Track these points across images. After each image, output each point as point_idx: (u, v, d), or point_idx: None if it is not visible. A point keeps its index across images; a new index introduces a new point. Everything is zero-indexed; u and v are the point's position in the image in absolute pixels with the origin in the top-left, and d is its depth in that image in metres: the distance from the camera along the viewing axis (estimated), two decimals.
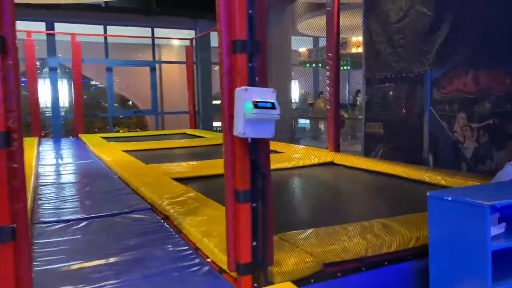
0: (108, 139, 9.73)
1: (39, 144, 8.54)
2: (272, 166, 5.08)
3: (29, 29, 9.40)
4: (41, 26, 10.55)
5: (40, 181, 4.37)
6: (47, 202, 3.42)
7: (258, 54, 1.75)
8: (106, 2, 10.02)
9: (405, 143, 5.43)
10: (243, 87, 1.67)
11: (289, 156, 5.97)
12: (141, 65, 11.90)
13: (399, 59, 5.47)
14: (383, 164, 4.87)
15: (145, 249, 2.28)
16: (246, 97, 1.65)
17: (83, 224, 2.73)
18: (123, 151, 7.21)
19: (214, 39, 11.61)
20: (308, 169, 5.26)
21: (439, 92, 4.96)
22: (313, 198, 3.98)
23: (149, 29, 11.73)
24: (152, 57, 12.00)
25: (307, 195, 4.15)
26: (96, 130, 12.84)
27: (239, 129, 1.68)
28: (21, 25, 9.67)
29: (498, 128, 4.28)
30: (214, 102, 12.06)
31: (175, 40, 13.99)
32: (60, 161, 5.99)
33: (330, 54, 5.82)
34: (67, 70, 12.39)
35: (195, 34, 11.84)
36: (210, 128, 11.52)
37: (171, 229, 2.70)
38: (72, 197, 3.59)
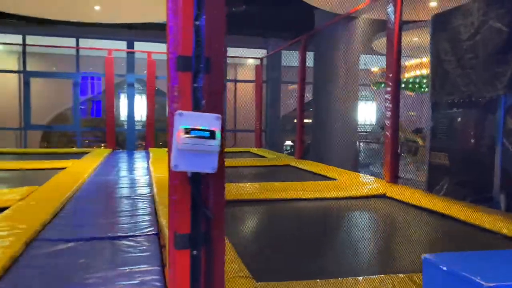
0: None
1: (109, 155, 8.99)
2: (316, 195, 4.76)
3: (111, 48, 10.08)
4: (122, 44, 11.27)
5: (77, 194, 4.46)
6: (64, 217, 3.41)
7: (206, 73, 1.48)
8: None
9: (473, 178, 4.68)
10: (178, 111, 1.41)
11: (340, 184, 5.49)
12: None
13: (469, 81, 4.77)
14: (440, 202, 4.22)
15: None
16: (181, 123, 1.38)
17: (69, 245, 2.62)
18: None
19: (285, 58, 11.46)
20: (354, 201, 4.75)
21: None
22: (343, 238, 3.52)
23: None
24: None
25: (340, 233, 3.69)
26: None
27: (171, 160, 1.41)
28: (105, 44, 10.42)
29: None
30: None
31: (250, 59, 14.15)
32: (112, 175, 6.15)
33: (390, 75, 5.29)
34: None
35: (267, 53, 11.80)
36: (275, 147, 11.29)
37: (158, 263, 2.48)
38: (90, 214, 3.56)
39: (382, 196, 4.91)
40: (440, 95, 5.26)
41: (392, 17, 5.26)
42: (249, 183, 5.45)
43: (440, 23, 5.28)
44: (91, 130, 11.75)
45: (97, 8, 6.99)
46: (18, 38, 10.80)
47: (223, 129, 1.50)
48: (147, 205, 3.98)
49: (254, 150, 11.01)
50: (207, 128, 1.38)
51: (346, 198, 4.85)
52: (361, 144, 9.88)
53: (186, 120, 1.38)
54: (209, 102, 1.49)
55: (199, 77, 1.45)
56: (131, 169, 6.74)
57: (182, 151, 1.37)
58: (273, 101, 11.34)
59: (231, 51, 12.33)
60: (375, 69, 10.52)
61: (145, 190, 4.85)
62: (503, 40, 4.29)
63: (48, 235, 2.87)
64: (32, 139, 12.57)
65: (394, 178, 5.27)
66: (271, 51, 11.78)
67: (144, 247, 2.71)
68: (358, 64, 8.19)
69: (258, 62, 11.28)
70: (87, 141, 13.15)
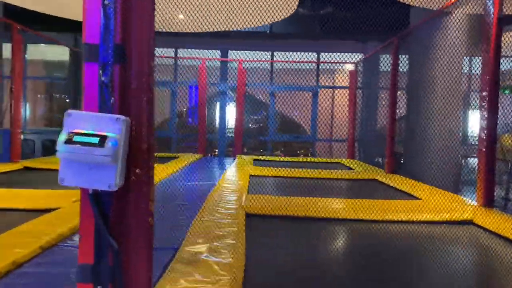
0: (259, 162, 9.86)
1: (196, 161, 9.21)
2: (391, 217, 4.14)
3: (205, 57, 10.42)
4: (217, 54, 11.57)
5: None
6: None
7: (118, 64, 1.19)
8: (270, 28, 10.30)
9: None
10: (68, 111, 1.14)
11: (422, 205, 4.73)
12: (303, 90, 11.76)
13: None
14: None
15: None
16: (68, 126, 1.11)
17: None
18: (253, 175, 7.09)
19: (384, 62, 10.62)
20: (429, 228, 4.01)
21: None
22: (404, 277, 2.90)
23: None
24: (316, 81, 11.76)
25: (403, 270, 3.07)
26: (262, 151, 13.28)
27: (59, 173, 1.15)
28: (200, 53, 10.81)
29: None
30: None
31: (348, 64, 13.49)
32: (186, 180, 6.18)
33: (487, 77, 4.41)
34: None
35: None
36: (368, 159, 10.46)
37: None
38: None
39: (468, 223, 4.07)
40: None
41: (490, 9, 4.39)
42: (318, 198, 4.98)
43: None
44: (185, 137, 12.25)
45: (181, 17, 7.20)
46: None
47: (138, 135, 1.20)
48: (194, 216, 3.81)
49: (345, 161, 10.36)
50: (98, 132, 1.09)
51: (420, 222, 4.13)
52: (467, 159, 8.64)
53: (75, 122, 1.12)
54: (122, 101, 1.20)
55: (108, 70, 1.17)
56: (204, 175, 6.72)
57: (66, 161, 1.11)
58: (368, 108, 10.55)
59: (327, 57, 11.88)
60: None
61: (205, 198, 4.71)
62: None
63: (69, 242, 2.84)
64: None
65: (488, 202, 4.36)
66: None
67: None
68: (461, 67, 7.13)
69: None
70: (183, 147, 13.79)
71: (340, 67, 13.85)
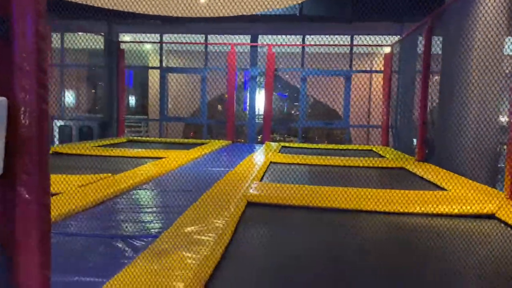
0: (286, 148, 9.67)
1: (222, 147, 9.17)
2: (408, 209, 3.86)
3: (234, 42, 10.29)
4: (247, 39, 11.40)
5: (144, 186, 4.49)
6: (95, 210, 3.41)
7: None
8: (300, 11, 9.96)
9: None
10: None
11: (446, 196, 4.38)
12: (335, 75, 11.34)
13: None
14: None
15: None
16: None
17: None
18: (274, 163, 6.94)
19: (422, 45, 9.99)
20: (447, 221, 3.69)
21: None
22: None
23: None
24: (349, 66, 11.31)
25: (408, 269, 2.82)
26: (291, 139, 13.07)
27: None
28: (232, 39, 10.69)
29: None
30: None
31: (387, 47, 12.87)
32: (203, 166, 6.13)
33: None
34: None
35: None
36: (404, 147, 9.97)
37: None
38: (124, 210, 3.48)
39: (490, 217, 3.71)
40: None
41: None
42: (334, 187, 4.74)
43: None
44: (215, 123, 12.25)
45: (202, 1, 7.08)
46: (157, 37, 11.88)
47: (23, 120, 1.09)
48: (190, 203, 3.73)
49: (378, 148, 9.95)
50: None
51: (437, 215, 3.82)
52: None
53: None
54: (5, 80, 1.09)
55: None
56: (223, 162, 6.63)
57: None
58: (403, 94, 10.01)
59: (362, 40, 11.38)
60: None
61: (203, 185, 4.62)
62: None
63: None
64: (177, 129, 13.81)
65: None
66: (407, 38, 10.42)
67: (125, 250, 2.44)
68: (501, 48, 6.53)
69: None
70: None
71: (378, 51, 13.24)
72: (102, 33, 10.95)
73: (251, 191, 4.16)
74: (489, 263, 2.80)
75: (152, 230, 2.92)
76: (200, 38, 11.65)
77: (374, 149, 9.86)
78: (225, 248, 2.62)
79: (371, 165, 7.19)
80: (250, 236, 3.05)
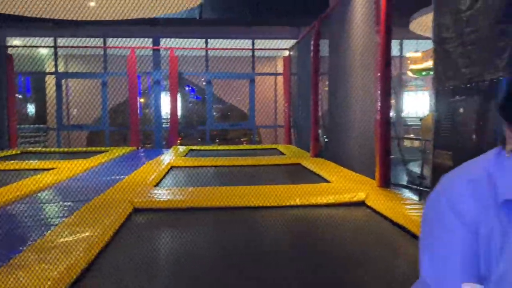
0: (194, 152, 9.70)
1: (126, 154, 8.92)
2: (299, 202, 4.07)
3: (136, 45, 10.05)
4: (148, 42, 11.21)
5: (22, 200, 4.25)
6: None
7: None
8: (200, 14, 10.05)
9: None
10: None
11: (327, 188, 4.74)
12: (239, 78, 11.63)
13: (469, 61, 3.78)
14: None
15: None
16: None
17: None
18: (176, 167, 6.93)
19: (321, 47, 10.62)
20: (321, 210, 4.01)
21: None
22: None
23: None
24: (252, 69, 11.65)
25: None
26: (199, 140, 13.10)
27: None
28: (130, 42, 10.41)
29: None
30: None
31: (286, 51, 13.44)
32: (98, 176, 5.93)
33: (379, 58, 4.41)
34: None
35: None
36: (304, 144, 10.52)
37: None
38: None
39: (361, 204, 4.10)
40: (442, 80, 4.28)
41: None
42: (236, 187, 4.86)
43: None
44: (118, 130, 11.89)
45: (91, 4, 6.85)
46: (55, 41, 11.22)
47: None
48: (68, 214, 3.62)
49: (281, 146, 10.38)
50: None
51: (316, 206, 4.13)
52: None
53: None
54: None
55: None
56: (122, 170, 6.46)
57: None
58: (302, 94, 10.55)
59: (263, 44, 11.77)
60: (414, 54, 9.27)
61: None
62: (503, 6, 3.28)
63: None
64: (79, 138, 13.08)
65: (385, 183, 4.40)
66: (304, 41, 10.98)
67: None
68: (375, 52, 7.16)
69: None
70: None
71: (280, 54, 13.80)
72: None
73: (139, 197, 4.14)
74: (355, 243, 3.11)
75: (17, 244, 2.79)
76: (99, 41, 11.22)
77: (278, 147, 10.27)
78: (95, 256, 2.60)
79: (272, 163, 7.50)
80: (128, 243, 3.05)
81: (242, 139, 15.29)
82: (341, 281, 2.39)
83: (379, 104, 4.42)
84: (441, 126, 4.38)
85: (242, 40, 11.43)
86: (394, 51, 10.98)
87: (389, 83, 4.39)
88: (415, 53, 9.43)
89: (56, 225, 3.18)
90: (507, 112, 0.83)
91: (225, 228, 3.53)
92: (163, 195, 4.40)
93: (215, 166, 7.09)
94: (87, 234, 2.87)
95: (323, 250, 2.97)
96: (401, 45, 11.46)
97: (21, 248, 2.71)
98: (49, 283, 2.07)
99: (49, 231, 2.96)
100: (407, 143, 10.16)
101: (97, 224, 3.11)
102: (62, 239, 2.78)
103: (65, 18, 7.66)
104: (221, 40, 11.22)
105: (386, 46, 4.33)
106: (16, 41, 11.66)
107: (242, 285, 2.36)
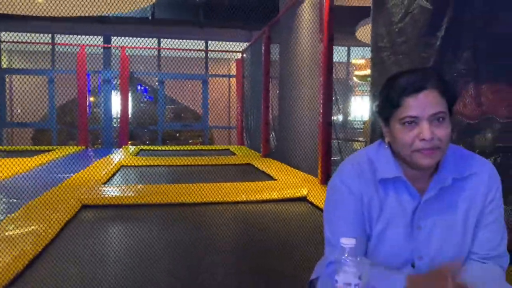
0: (145, 151, 9.66)
1: (74, 154, 8.74)
2: (232, 198, 4.24)
3: (86, 43, 9.86)
4: (99, 40, 11.03)
5: None
6: None
7: None
8: (152, 14, 10.05)
9: None
10: None
11: (273, 185, 4.97)
12: (192, 78, 11.71)
13: (401, 69, 4.14)
14: None
15: None
16: None
17: None
18: (126, 166, 6.93)
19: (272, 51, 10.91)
20: (265, 205, 4.24)
21: None
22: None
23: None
24: (205, 70, 11.78)
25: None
26: (148, 142, 13.02)
27: None
28: (80, 40, 10.21)
29: (502, 169, 2.81)
30: None
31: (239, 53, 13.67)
32: (42, 174, 5.82)
33: (323, 65, 4.71)
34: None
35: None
36: (255, 145, 10.77)
37: None
38: None
39: (303, 199, 4.37)
40: (377, 86, 4.65)
41: None
42: (185, 184, 4.98)
43: (379, 4, 4.65)
44: (66, 128, 11.59)
45: (39, 1, 6.71)
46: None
47: None
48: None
49: (233, 147, 10.58)
50: None
51: (262, 201, 4.36)
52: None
53: None
54: None
55: None
56: (70, 168, 6.37)
57: None
58: (254, 97, 10.81)
59: (217, 45, 11.91)
60: (358, 61, 9.80)
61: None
62: (428, 20, 3.67)
63: None
64: (24, 137, 12.59)
65: (326, 180, 4.71)
66: (255, 45, 11.24)
67: None
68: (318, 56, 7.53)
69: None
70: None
71: (234, 56, 14.00)
72: None
73: (88, 194, 4.17)
74: (295, 235, 3.34)
75: None
76: (46, 37, 10.90)
77: (230, 148, 10.46)
78: (42, 249, 2.66)
79: (222, 163, 7.66)
80: (75, 237, 3.11)
81: (194, 140, 15.33)
82: (271, 267, 2.60)
83: (321, 107, 4.72)
84: (376, 128, 4.75)
85: (195, 41, 11.53)
86: (343, 57, 11.48)
87: (331, 88, 4.70)
88: (359, 60, 9.95)
89: (1, 220, 3.18)
90: (381, 114, 1.10)
91: (171, 223, 3.66)
92: (112, 192, 4.45)
93: (166, 166, 7.16)
94: (33, 228, 2.91)
95: (261, 239, 3.18)
96: (348, 51, 12.03)
97: None
98: None
99: None
100: (356, 145, 10.68)
101: (44, 219, 3.15)
102: (7, 233, 2.80)
103: (10, 13, 7.42)
104: (174, 40, 11.26)
105: (328, 53, 4.64)
106: None
107: (182, 272, 2.51)
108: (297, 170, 6.10)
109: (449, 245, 1.10)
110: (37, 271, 2.42)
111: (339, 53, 10.71)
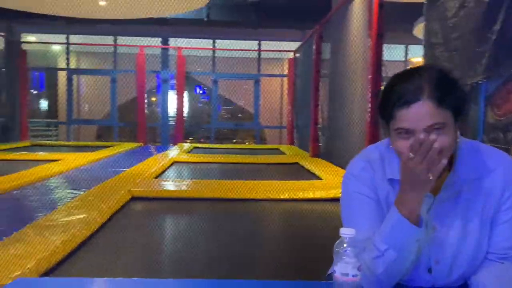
0: (198, 149, 9.95)
1: (132, 150, 9.19)
2: (288, 196, 4.27)
3: (145, 44, 10.35)
4: (158, 41, 11.49)
5: (30, 186, 4.52)
6: None
7: None
8: (207, 16, 10.31)
9: None
10: None
11: (317, 185, 4.93)
12: (245, 78, 11.87)
13: (453, 66, 3.95)
14: None
15: None
16: None
17: None
18: (178, 162, 7.17)
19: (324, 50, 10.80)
20: (303, 204, 4.22)
21: (493, 113, 3.36)
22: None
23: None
24: (257, 69, 11.88)
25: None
26: (202, 140, 13.34)
27: None
28: (140, 41, 10.71)
29: None
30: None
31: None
32: (101, 168, 6.19)
33: (372, 62, 4.61)
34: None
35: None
36: (305, 145, 10.70)
37: None
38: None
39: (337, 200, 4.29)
40: None
41: None
42: (234, 181, 5.09)
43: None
44: (126, 126, 12.17)
45: (102, 3, 7.13)
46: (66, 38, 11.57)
47: None
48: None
49: (284, 147, 10.59)
50: None
51: (303, 200, 4.35)
52: None
53: None
54: None
55: None
56: (126, 163, 6.71)
57: None
58: (304, 96, 10.75)
59: (270, 45, 11.98)
60: (416, 59, 9.42)
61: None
62: (484, 13, 3.46)
63: None
64: (89, 133, 13.46)
65: None
66: (308, 44, 11.17)
67: None
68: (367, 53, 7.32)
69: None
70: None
71: (287, 56, 14.01)
72: (2, 33, 10.44)
73: (138, 187, 4.38)
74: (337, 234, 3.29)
75: (21, 222, 3.04)
76: (109, 39, 11.54)
77: (280, 148, 10.48)
78: (90, 235, 2.85)
79: (271, 161, 7.71)
80: (123, 226, 3.29)
81: (249, 140, 15.51)
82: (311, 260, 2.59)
83: (369, 106, 4.61)
84: None
85: (248, 41, 11.67)
86: (400, 56, 11.04)
87: (379, 86, 4.57)
88: (418, 58, 9.56)
89: (57, 208, 3.44)
90: (381, 114, 1.06)
91: (218, 217, 3.76)
92: (161, 185, 4.64)
93: (216, 163, 7.33)
94: (84, 216, 3.12)
95: (304, 237, 3.18)
96: (406, 49, 11.60)
97: (23, 226, 2.96)
98: (44, 254, 2.31)
99: (50, 213, 3.22)
100: None
101: (95, 208, 3.36)
102: (61, 219, 3.02)
103: (77, 16, 7.96)
104: (228, 40, 11.48)
105: (377, 50, 4.52)
106: (31, 37, 12.05)
107: (227, 261, 2.57)
108: (344, 171, 5.99)
109: (466, 247, 1.05)
110: (84, 255, 2.59)
111: (396, 51, 10.38)
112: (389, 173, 1.09)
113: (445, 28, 4.10)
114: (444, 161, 0.94)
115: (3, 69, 10.89)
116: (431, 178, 0.94)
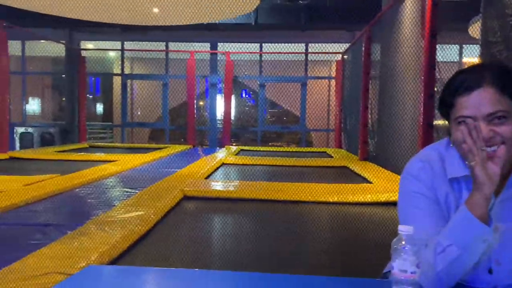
0: (244, 151, 10.07)
1: (182, 152, 9.48)
2: (336, 199, 4.27)
3: (195, 50, 10.66)
4: (207, 47, 11.78)
5: (89, 185, 4.79)
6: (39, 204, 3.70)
7: None
8: (255, 20, 10.43)
9: None
10: None
11: (367, 188, 4.87)
12: (291, 81, 11.87)
13: None
14: None
15: None
16: None
17: None
18: (226, 163, 7.31)
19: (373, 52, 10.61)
20: (351, 208, 4.18)
21: None
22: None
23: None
24: (305, 72, 11.86)
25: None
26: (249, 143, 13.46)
27: None
28: (189, 46, 11.04)
29: None
30: None
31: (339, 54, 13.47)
32: (154, 168, 6.43)
33: (425, 62, 4.49)
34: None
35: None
36: (354, 148, 10.54)
37: None
38: (65, 205, 3.79)
39: (393, 204, 4.20)
40: None
41: None
42: (280, 183, 5.15)
43: None
44: (176, 129, 12.54)
45: (155, 10, 7.43)
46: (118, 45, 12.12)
47: None
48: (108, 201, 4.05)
49: (330, 150, 10.49)
50: None
51: (352, 203, 4.30)
52: None
53: None
54: None
55: None
56: (177, 164, 6.92)
57: None
58: (353, 98, 10.59)
59: (317, 47, 11.93)
60: (471, 60, 9.02)
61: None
62: None
63: None
64: (142, 135, 14.01)
65: None
66: (357, 46, 11.02)
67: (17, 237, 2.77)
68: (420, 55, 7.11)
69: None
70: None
71: (334, 58, 13.86)
72: (63, 41, 11.12)
73: (190, 186, 4.53)
74: (387, 238, 3.25)
75: (83, 218, 3.24)
76: (161, 45, 11.96)
77: (327, 151, 10.39)
78: (147, 231, 2.99)
79: (318, 164, 7.67)
80: (176, 223, 3.42)
81: (291, 143, 15.49)
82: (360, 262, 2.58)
83: (421, 108, 4.49)
84: None
85: (295, 44, 11.67)
86: (454, 57, 10.65)
87: (432, 87, 4.45)
88: (473, 59, 9.15)
89: (116, 205, 3.63)
90: (441, 113, 1.06)
91: (265, 217, 3.81)
92: (212, 185, 4.76)
93: (263, 165, 7.40)
94: (141, 213, 3.27)
95: (352, 240, 3.16)
96: (460, 49, 11.14)
97: (85, 221, 3.15)
98: (106, 247, 2.46)
99: (109, 210, 3.41)
100: None
101: (150, 206, 3.52)
102: (120, 216, 3.19)
103: (131, 24, 8.34)
104: (275, 44, 11.54)
105: (431, 50, 4.40)
106: (89, 45, 12.73)
107: (274, 258, 2.61)
108: (396, 175, 5.85)
109: None
110: (142, 248, 2.72)
111: (449, 52, 9.95)
112: (450, 173, 1.08)
113: (504, 25, 3.92)
114: (503, 147, 0.94)
115: (63, 75, 11.60)
116: (494, 169, 0.92)
